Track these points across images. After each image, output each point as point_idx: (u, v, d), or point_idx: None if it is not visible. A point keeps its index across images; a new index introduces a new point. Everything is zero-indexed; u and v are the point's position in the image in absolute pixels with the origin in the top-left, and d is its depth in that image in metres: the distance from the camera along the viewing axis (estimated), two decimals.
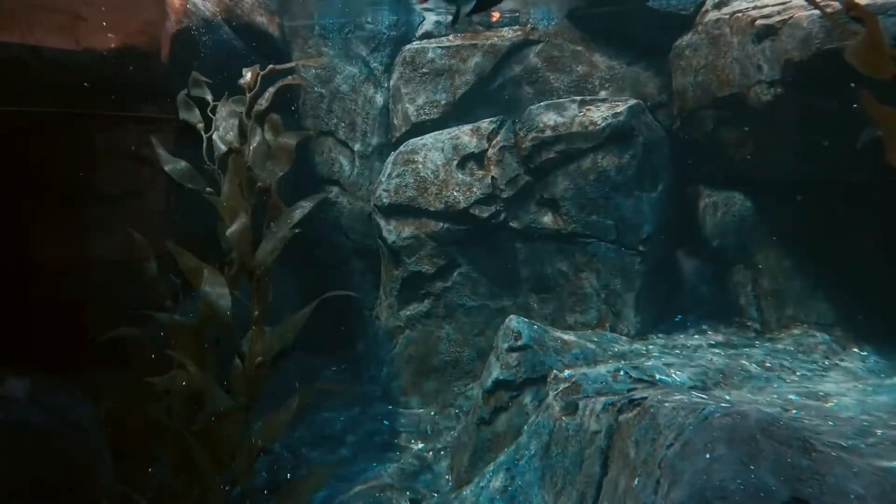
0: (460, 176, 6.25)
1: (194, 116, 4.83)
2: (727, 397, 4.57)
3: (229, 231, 4.52)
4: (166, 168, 4.61)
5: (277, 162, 4.76)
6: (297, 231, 4.63)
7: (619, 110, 6.08)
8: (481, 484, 5.01)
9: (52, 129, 4.16)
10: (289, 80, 5.30)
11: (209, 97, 4.85)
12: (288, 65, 5.28)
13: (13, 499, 3.67)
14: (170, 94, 4.77)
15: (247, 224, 4.54)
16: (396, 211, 6.37)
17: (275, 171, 4.72)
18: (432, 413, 6.31)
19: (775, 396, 4.75)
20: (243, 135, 4.76)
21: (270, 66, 5.09)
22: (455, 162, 6.31)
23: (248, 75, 4.95)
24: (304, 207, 4.73)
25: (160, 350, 4.27)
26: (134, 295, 4.45)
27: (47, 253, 4.19)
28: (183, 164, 4.66)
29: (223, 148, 4.70)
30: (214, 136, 4.74)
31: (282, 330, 4.56)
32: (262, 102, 4.85)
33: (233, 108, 4.80)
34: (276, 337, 4.54)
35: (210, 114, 4.82)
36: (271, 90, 4.91)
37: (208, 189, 4.65)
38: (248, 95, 4.85)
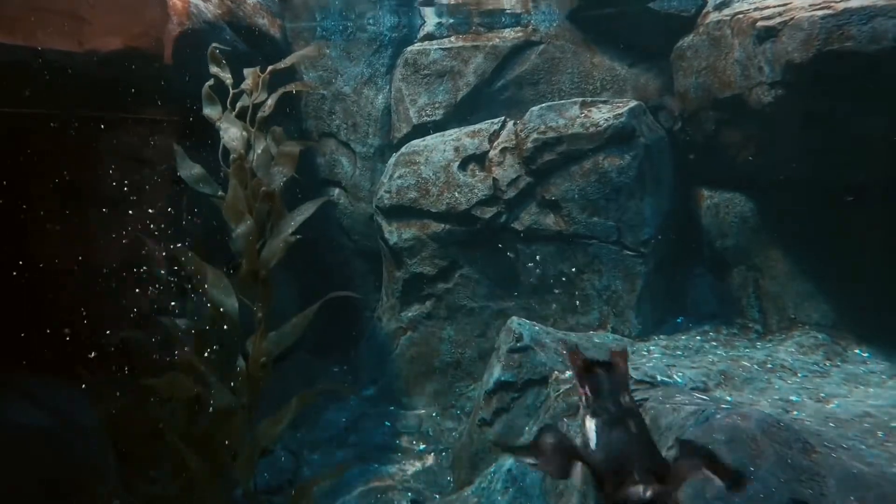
0: (462, 177, 6.26)
1: (216, 112, 4.86)
2: (728, 398, 4.58)
3: (235, 234, 4.56)
4: (180, 172, 4.64)
5: (281, 168, 4.79)
6: (298, 236, 4.67)
7: (620, 111, 6.08)
8: (483, 485, 5.01)
9: (55, 132, 4.16)
10: (294, 85, 5.32)
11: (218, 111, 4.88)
12: (286, 61, 5.27)
13: (17, 501, 3.68)
14: (172, 97, 4.78)
15: (252, 227, 4.57)
16: (398, 212, 6.37)
17: (278, 177, 4.76)
18: (434, 414, 6.32)
19: (776, 398, 4.76)
20: (247, 141, 4.80)
21: (270, 67, 5.07)
22: (456, 163, 6.31)
23: (248, 79, 4.95)
24: (306, 211, 4.77)
25: (164, 352, 4.29)
26: (137, 297, 4.46)
27: (49, 255, 4.20)
28: (197, 168, 4.70)
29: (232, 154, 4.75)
30: (224, 142, 4.78)
31: (285, 331, 4.60)
32: (266, 109, 4.88)
33: (233, 118, 4.84)
34: (280, 338, 4.57)
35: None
36: (273, 97, 4.92)
37: (220, 193, 4.69)
38: (249, 102, 4.88)
